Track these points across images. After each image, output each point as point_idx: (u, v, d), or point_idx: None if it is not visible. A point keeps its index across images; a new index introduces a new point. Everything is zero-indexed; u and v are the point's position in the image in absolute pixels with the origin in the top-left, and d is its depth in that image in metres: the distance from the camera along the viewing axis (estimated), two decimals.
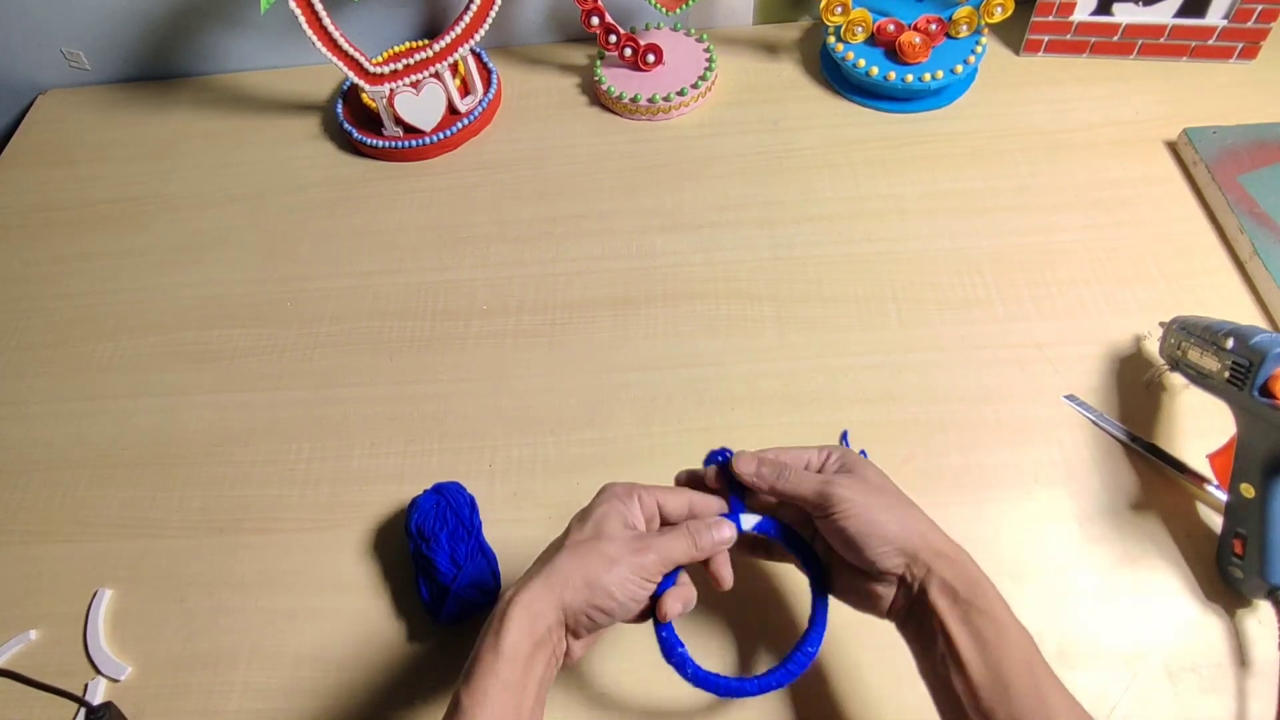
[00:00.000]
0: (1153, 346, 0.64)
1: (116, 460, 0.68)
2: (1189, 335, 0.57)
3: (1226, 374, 0.53)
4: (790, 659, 0.48)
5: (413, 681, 0.57)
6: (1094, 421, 0.63)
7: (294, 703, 0.56)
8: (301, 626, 0.59)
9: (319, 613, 0.60)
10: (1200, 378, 0.56)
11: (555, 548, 0.46)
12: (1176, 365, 0.59)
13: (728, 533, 0.48)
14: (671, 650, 0.48)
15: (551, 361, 0.70)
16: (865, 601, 0.47)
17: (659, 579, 0.46)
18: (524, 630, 0.42)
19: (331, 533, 0.63)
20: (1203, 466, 0.58)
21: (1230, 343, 0.53)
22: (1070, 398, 0.64)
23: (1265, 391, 0.51)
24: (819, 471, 0.49)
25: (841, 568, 0.47)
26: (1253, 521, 0.52)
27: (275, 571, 0.62)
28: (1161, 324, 0.61)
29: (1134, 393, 0.64)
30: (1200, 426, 0.61)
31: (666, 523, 0.49)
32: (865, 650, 0.54)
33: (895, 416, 0.64)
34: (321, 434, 0.68)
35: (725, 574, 0.49)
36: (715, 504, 0.50)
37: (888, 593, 0.45)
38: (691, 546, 0.46)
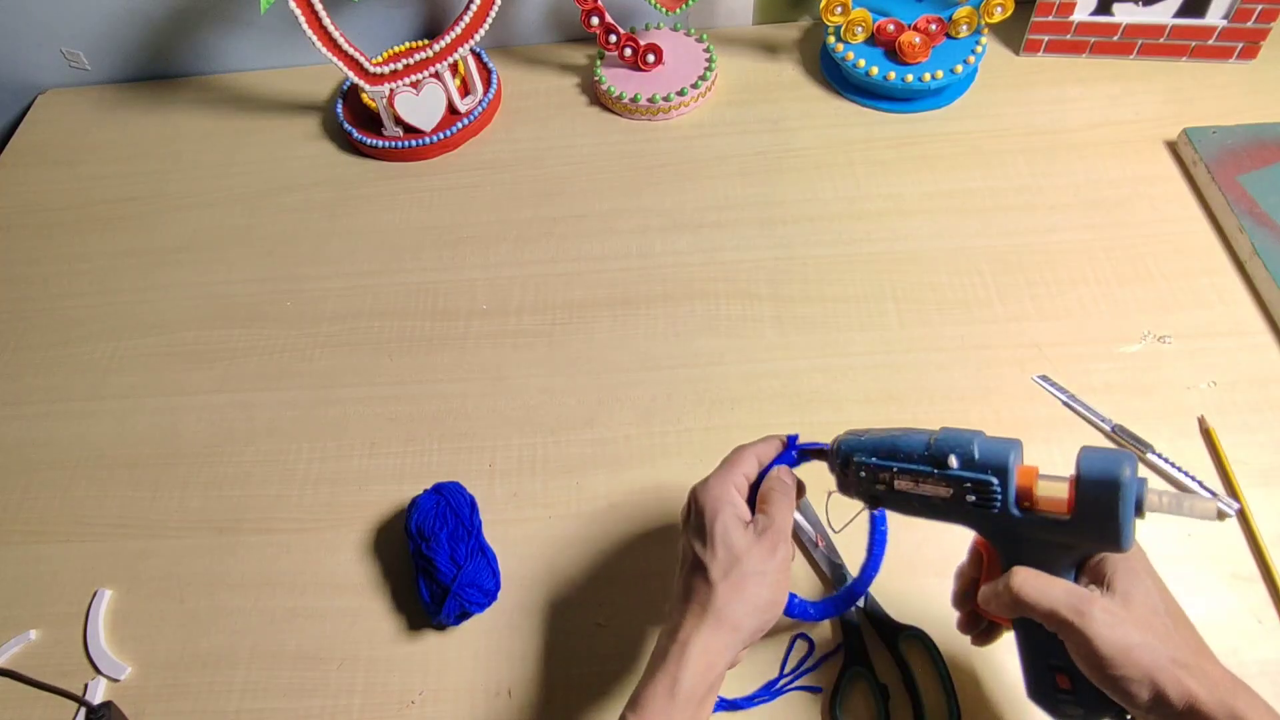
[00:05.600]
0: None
1: (116, 460, 0.68)
2: (884, 462, 0.44)
3: (972, 498, 0.42)
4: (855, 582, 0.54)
5: (413, 681, 0.57)
6: (1065, 403, 0.63)
7: (294, 703, 0.56)
8: (301, 626, 0.59)
9: (319, 613, 0.60)
10: (928, 508, 0.44)
11: (696, 581, 0.45)
12: (877, 502, 0.46)
13: (790, 472, 0.49)
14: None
15: (551, 361, 0.70)
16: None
17: (791, 551, 0.47)
18: (700, 674, 0.43)
19: (331, 533, 0.63)
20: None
21: (954, 461, 0.42)
22: (1042, 378, 0.64)
23: (1021, 502, 0.41)
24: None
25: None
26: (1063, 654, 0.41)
27: (275, 571, 0.62)
28: (823, 448, 0.49)
29: (1135, 393, 0.64)
30: (1192, 419, 0.61)
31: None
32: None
33: (895, 416, 0.64)
34: (321, 434, 0.68)
35: None
36: (773, 446, 0.50)
37: (1135, 711, 0.39)
38: (791, 504, 0.48)
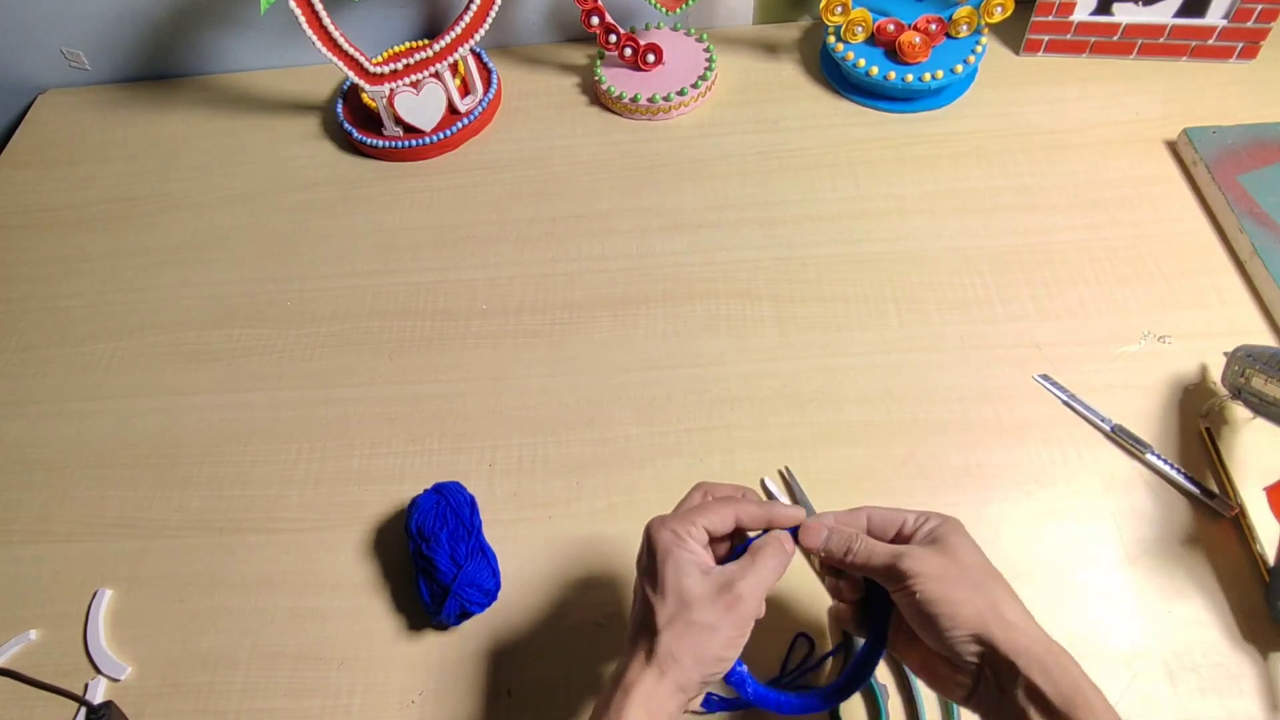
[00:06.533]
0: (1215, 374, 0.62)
1: (116, 460, 0.68)
2: (1254, 362, 0.56)
3: None
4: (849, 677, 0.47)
5: (413, 681, 0.57)
6: (1065, 402, 0.63)
7: (294, 703, 0.56)
8: (301, 626, 0.59)
9: (319, 613, 0.60)
10: (1264, 405, 0.55)
11: (644, 625, 0.43)
12: (1239, 393, 0.58)
13: (789, 546, 0.46)
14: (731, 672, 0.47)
15: (551, 361, 0.70)
16: (940, 683, 0.44)
17: (757, 616, 0.44)
18: None
19: (331, 533, 0.63)
20: (1258, 498, 0.57)
21: None
22: (1043, 378, 0.64)
23: None
24: (908, 539, 0.45)
25: (915, 638, 0.44)
26: None
27: (275, 571, 0.62)
28: (1225, 353, 0.60)
29: (1135, 393, 0.64)
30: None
31: (715, 538, 0.46)
32: None
33: (895, 416, 0.64)
34: (321, 434, 0.68)
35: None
36: (762, 510, 0.47)
37: (964, 681, 0.42)
38: (779, 570, 0.45)
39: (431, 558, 0.57)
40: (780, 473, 0.63)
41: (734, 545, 0.48)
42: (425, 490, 0.61)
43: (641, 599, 0.44)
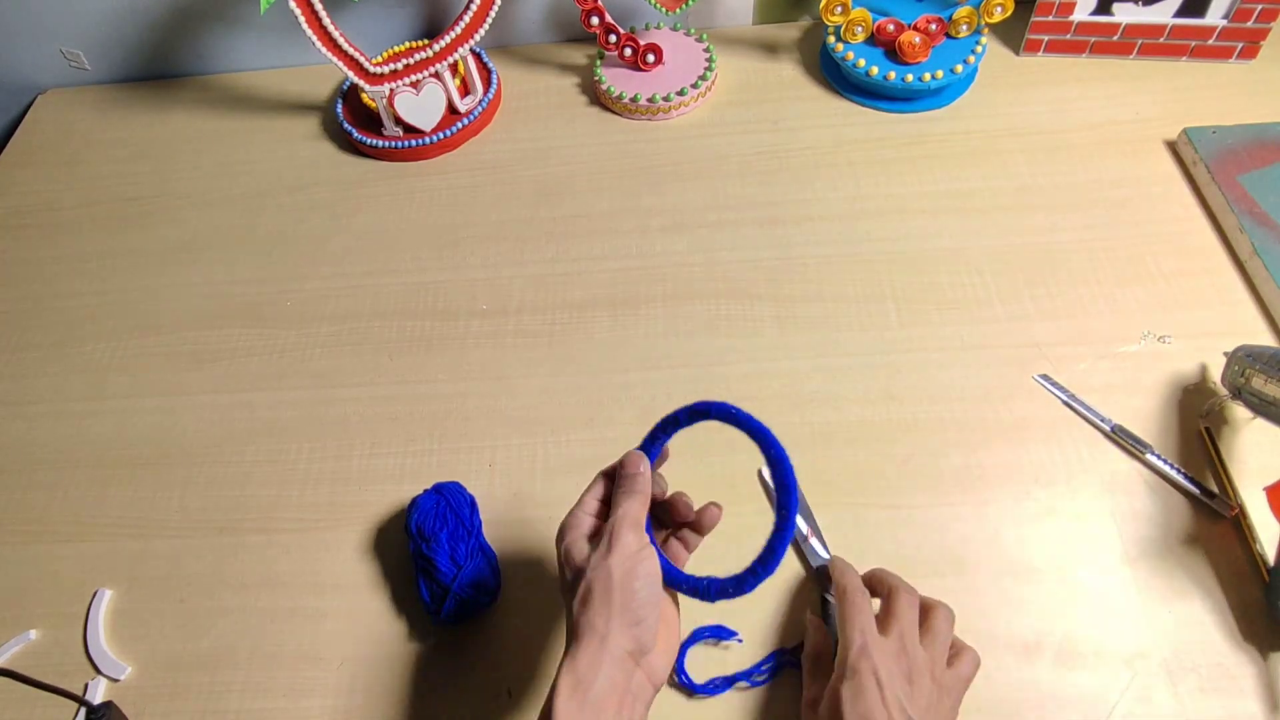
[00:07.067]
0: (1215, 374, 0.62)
1: (116, 460, 0.68)
2: (1255, 362, 0.56)
3: None
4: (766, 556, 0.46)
5: (413, 681, 0.57)
6: (1065, 402, 0.63)
7: (294, 703, 0.56)
8: (301, 626, 0.59)
9: (319, 613, 0.60)
10: (1264, 406, 0.55)
11: (569, 626, 0.44)
12: (1239, 393, 0.58)
13: (641, 465, 0.48)
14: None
15: (551, 361, 0.70)
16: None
17: (646, 541, 0.46)
18: (573, 708, 0.40)
19: (331, 533, 0.63)
20: (1258, 499, 0.57)
21: None
22: (1043, 378, 0.64)
23: None
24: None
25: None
26: None
27: (275, 571, 0.62)
28: (1225, 353, 0.60)
29: (1135, 393, 0.64)
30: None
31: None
32: None
33: (895, 416, 0.64)
34: (321, 434, 0.68)
35: (705, 516, 0.50)
36: (633, 456, 0.49)
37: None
38: (634, 500, 0.46)
39: (431, 557, 0.57)
40: None
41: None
42: (425, 490, 0.61)
43: (566, 610, 0.45)
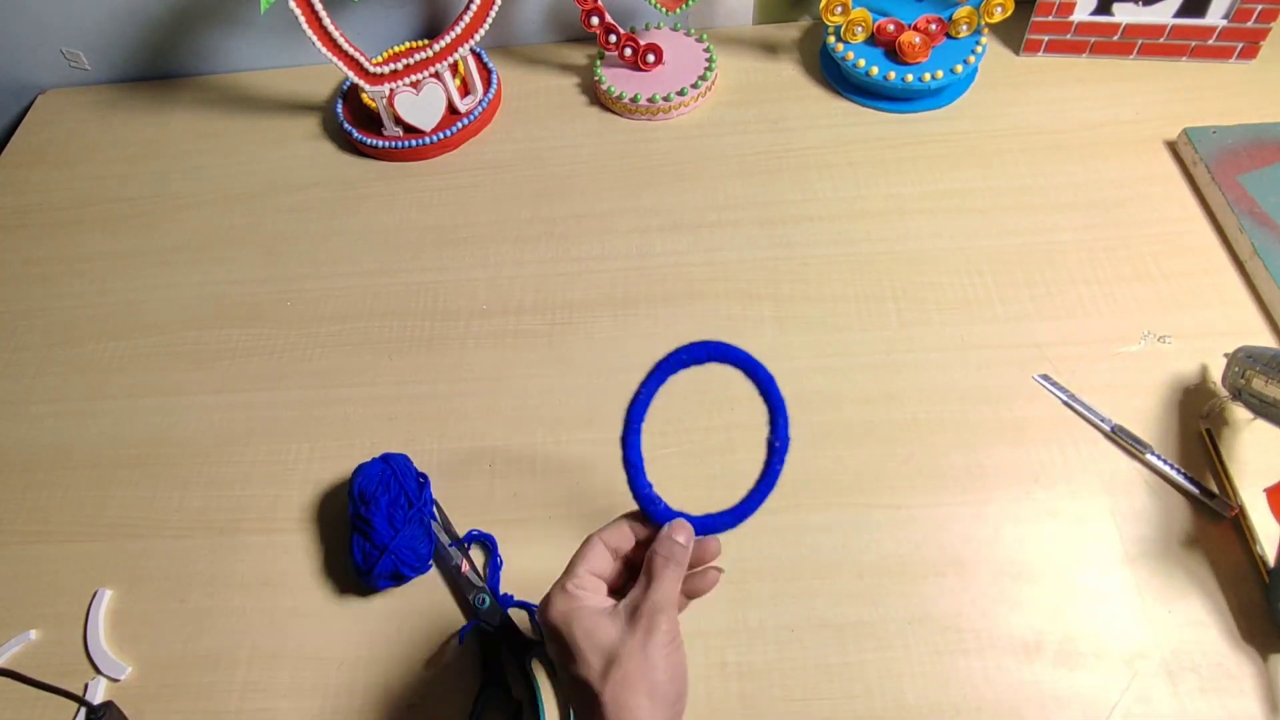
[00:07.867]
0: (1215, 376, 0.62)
1: (116, 460, 0.68)
2: (1255, 364, 0.56)
3: None
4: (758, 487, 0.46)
5: (412, 681, 0.57)
6: (1065, 402, 0.63)
7: (294, 703, 0.56)
8: (301, 626, 0.59)
9: (319, 613, 0.60)
10: (1264, 407, 0.55)
11: (584, 701, 0.40)
12: (1239, 394, 0.58)
13: (686, 531, 0.44)
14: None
15: (551, 361, 0.70)
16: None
17: (678, 626, 0.42)
18: None
19: (331, 533, 0.63)
20: (1258, 500, 0.57)
21: None
22: (1043, 378, 0.64)
23: None
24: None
25: None
26: None
27: (275, 571, 0.62)
28: (1225, 354, 0.60)
29: (1135, 393, 0.64)
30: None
31: (609, 577, 0.45)
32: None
33: (895, 416, 0.64)
34: (321, 434, 0.68)
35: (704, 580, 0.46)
36: (623, 529, 0.46)
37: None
38: (677, 575, 0.43)
39: (370, 519, 0.58)
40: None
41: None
42: (373, 458, 0.62)
43: (569, 681, 0.41)
